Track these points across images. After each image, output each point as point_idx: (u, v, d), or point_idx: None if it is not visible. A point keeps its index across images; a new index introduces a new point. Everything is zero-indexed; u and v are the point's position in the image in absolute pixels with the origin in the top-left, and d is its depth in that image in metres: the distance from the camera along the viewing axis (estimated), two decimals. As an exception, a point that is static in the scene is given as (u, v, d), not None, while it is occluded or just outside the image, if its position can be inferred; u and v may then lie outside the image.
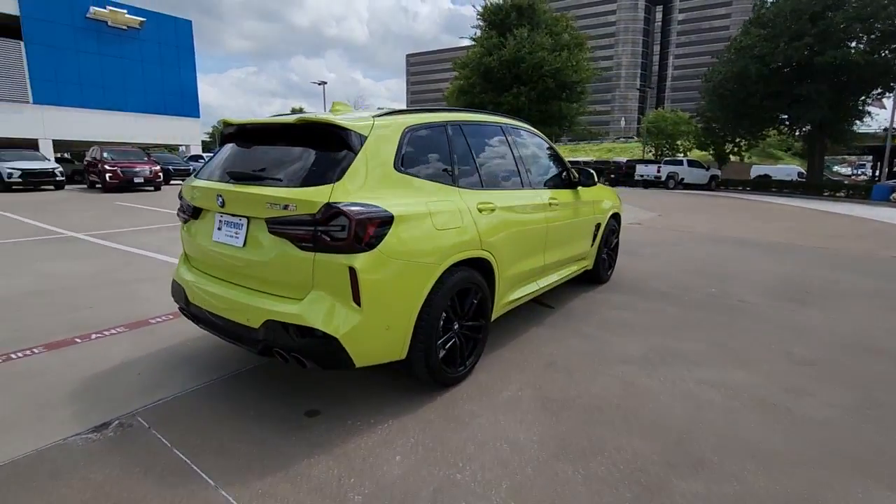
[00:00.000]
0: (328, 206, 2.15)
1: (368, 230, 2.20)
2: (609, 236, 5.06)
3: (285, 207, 2.22)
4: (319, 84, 35.20)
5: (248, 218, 2.41)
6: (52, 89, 26.45)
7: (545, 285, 3.80)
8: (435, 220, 2.51)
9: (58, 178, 17.90)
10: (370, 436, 2.32)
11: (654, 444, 2.31)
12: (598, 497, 1.93)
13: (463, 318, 2.83)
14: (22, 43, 25.69)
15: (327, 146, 2.38)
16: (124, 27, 29.28)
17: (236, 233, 2.45)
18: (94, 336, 3.48)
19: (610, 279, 5.27)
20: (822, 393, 2.85)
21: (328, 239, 2.16)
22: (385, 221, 2.27)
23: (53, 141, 26.19)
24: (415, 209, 2.43)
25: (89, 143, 23.22)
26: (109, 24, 28.67)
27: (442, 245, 2.52)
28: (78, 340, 3.41)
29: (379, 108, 2.93)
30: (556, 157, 4.13)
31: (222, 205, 2.46)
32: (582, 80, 14.68)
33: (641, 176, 28.51)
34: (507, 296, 3.30)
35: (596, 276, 4.93)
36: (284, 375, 2.91)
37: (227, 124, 2.75)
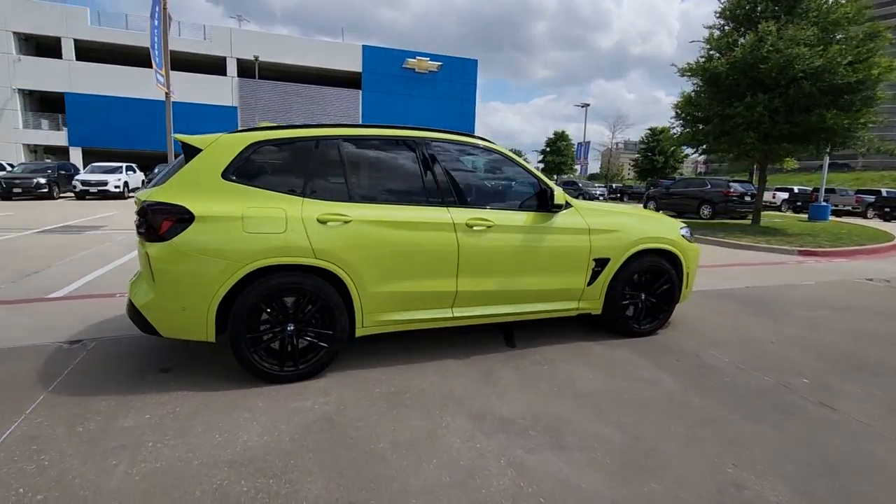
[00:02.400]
0: (143, 203, 2.76)
1: (163, 225, 2.70)
2: (648, 279, 3.94)
3: (136, 203, 2.93)
4: (582, 106, 35.62)
5: None
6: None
7: (470, 315, 3.39)
8: (246, 225, 2.78)
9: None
10: (161, 396, 2.78)
11: (335, 489, 2.02)
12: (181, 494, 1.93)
13: (301, 323, 2.97)
14: (360, 91, 34.93)
15: (185, 157, 2.98)
16: (426, 71, 36.26)
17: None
18: (174, 292, 4.97)
19: (654, 334, 4.06)
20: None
21: (142, 230, 2.76)
22: (182, 219, 2.71)
23: (369, 162, 34.50)
24: (223, 212, 2.77)
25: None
26: (416, 70, 36.03)
27: (249, 247, 2.76)
28: (164, 293, 4.95)
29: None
30: (513, 177, 3.60)
31: None
32: (866, 81, 10.65)
33: None
34: (389, 315, 3.18)
35: (613, 325, 3.92)
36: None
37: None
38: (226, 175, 2.87)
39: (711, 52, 12.27)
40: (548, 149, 52.16)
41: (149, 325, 2.80)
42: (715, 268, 7.70)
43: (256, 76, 28.72)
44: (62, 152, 30.79)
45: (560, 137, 51.42)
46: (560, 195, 3.46)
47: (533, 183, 3.62)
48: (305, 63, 33.33)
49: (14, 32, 29.11)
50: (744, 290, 6.01)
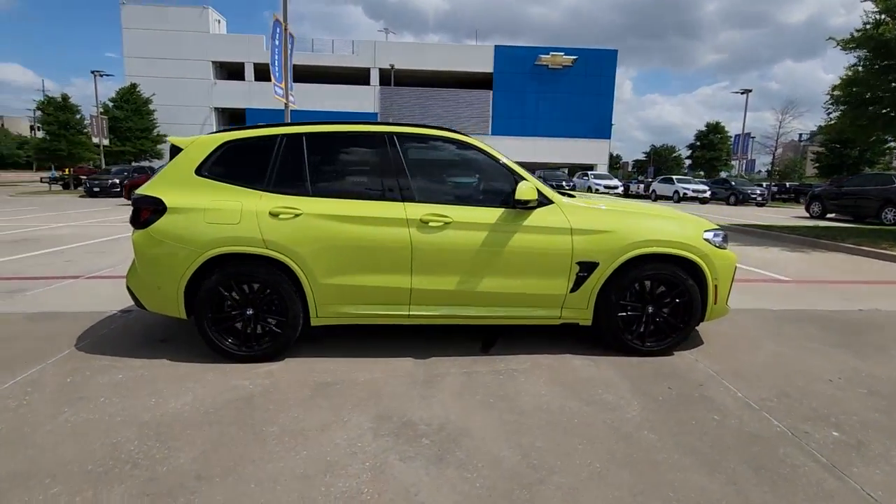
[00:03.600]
0: (134, 195, 3.24)
1: (143, 214, 3.13)
2: (657, 289, 3.34)
3: (137, 197, 3.45)
4: (742, 93, 30.79)
5: None
6: (503, 124, 35.12)
7: (428, 315, 3.27)
8: (207, 216, 3.09)
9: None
10: (144, 361, 3.24)
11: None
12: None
13: (257, 308, 3.21)
14: (491, 92, 35.30)
15: (171, 156, 3.41)
16: (560, 67, 35.15)
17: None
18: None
19: (666, 355, 3.43)
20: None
21: (131, 218, 3.24)
22: (158, 210, 3.12)
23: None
24: (190, 204, 3.11)
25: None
26: (549, 66, 35.15)
27: (207, 236, 3.06)
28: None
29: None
30: (486, 171, 3.34)
31: None
32: None
33: None
34: (343, 307, 3.24)
35: (609, 339, 3.41)
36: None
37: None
38: (199, 171, 3.22)
39: (881, 17, 9.76)
40: (697, 143, 46.67)
41: (137, 299, 3.29)
42: (840, 284, 6.16)
43: (392, 83, 31.01)
44: (243, 158, 36.91)
45: (713, 130, 45.74)
46: (527, 191, 3.12)
47: (508, 178, 3.34)
48: (440, 67, 34.87)
49: (212, 62, 35.77)
50: (852, 313, 4.72)
